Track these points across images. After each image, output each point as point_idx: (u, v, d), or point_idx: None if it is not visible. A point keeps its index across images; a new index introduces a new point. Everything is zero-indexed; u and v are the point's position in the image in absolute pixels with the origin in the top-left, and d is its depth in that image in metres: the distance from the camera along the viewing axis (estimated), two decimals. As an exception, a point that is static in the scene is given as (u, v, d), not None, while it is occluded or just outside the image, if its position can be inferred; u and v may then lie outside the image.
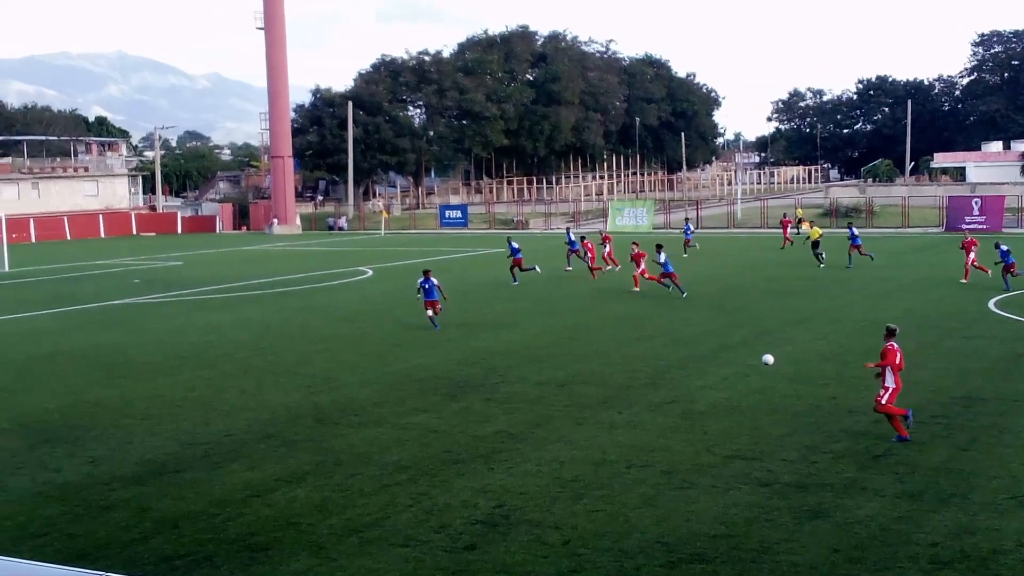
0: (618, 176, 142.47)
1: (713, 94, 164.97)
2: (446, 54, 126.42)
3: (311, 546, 13.95)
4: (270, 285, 46.56)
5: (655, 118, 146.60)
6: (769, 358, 22.07)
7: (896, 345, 18.59)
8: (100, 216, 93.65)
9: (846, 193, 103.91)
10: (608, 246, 49.32)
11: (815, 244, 48.43)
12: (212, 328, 33.73)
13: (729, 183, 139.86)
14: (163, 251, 70.23)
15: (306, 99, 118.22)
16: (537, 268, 45.29)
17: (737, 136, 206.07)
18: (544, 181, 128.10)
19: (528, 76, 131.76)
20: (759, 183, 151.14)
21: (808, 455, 17.55)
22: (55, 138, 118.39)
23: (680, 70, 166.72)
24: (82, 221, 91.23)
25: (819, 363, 25.47)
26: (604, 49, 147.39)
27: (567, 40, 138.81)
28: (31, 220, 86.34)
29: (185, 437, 19.70)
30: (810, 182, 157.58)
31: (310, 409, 21.85)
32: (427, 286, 31.69)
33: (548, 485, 16.32)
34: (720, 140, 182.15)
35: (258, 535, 14.40)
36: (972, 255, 40.42)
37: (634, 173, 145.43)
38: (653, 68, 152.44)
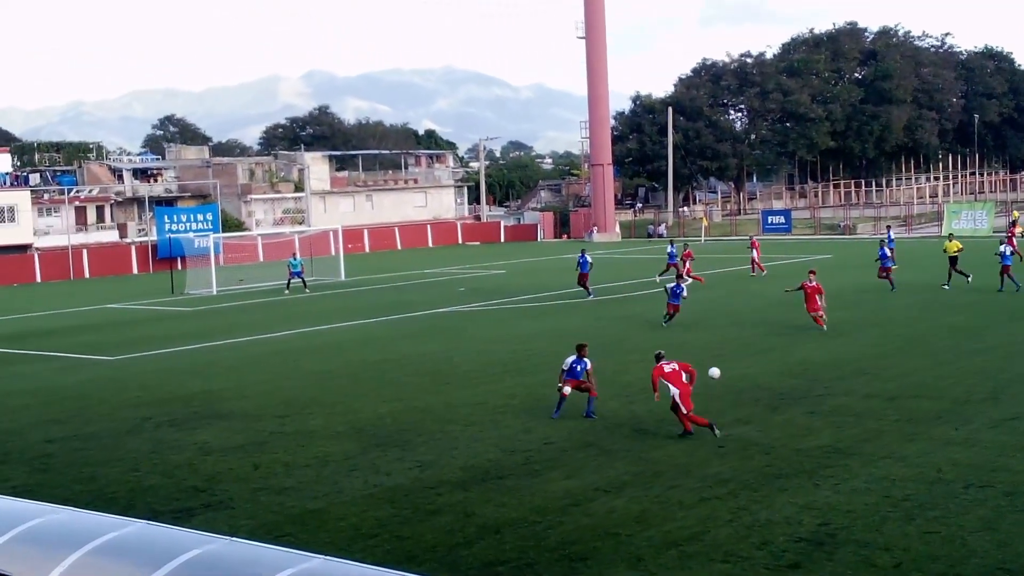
0: (954, 177, 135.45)
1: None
2: (769, 55, 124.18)
3: (630, 558, 13.84)
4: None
5: (996, 114, 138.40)
6: (715, 371, 20.58)
7: (665, 364, 20.32)
8: (428, 226, 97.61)
9: None
10: (688, 263, 48.22)
11: (952, 260, 42.56)
12: (532, 336, 34.35)
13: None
14: (487, 260, 72.34)
15: (626, 106, 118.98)
16: (591, 296, 44.12)
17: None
18: (873, 184, 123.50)
19: (856, 75, 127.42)
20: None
21: None
22: (387, 152, 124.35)
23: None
24: (411, 231, 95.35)
25: None
26: (939, 43, 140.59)
27: (899, 35, 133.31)
28: (365, 231, 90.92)
29: (506, 444, 20.06)
30: None
31: (628, 418, 21.81)
32: (578, 367, 22.36)
33: (877, 504, 15.58)
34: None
35: (577, 544, 14.42)
36: None
37: (972, 173, 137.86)
38: (993, 61, 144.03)
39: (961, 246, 43.63)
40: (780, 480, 16.98)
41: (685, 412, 19.91)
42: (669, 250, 51.35)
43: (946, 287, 41.67)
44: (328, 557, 9.65)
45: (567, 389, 22.09)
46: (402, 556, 14.11)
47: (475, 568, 13.70)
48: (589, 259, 45.63)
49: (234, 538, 10.69)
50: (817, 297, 32.67)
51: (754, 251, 52.73)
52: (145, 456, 20.27)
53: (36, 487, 18.01)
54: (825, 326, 32.16)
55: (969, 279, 41.79)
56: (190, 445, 20.98)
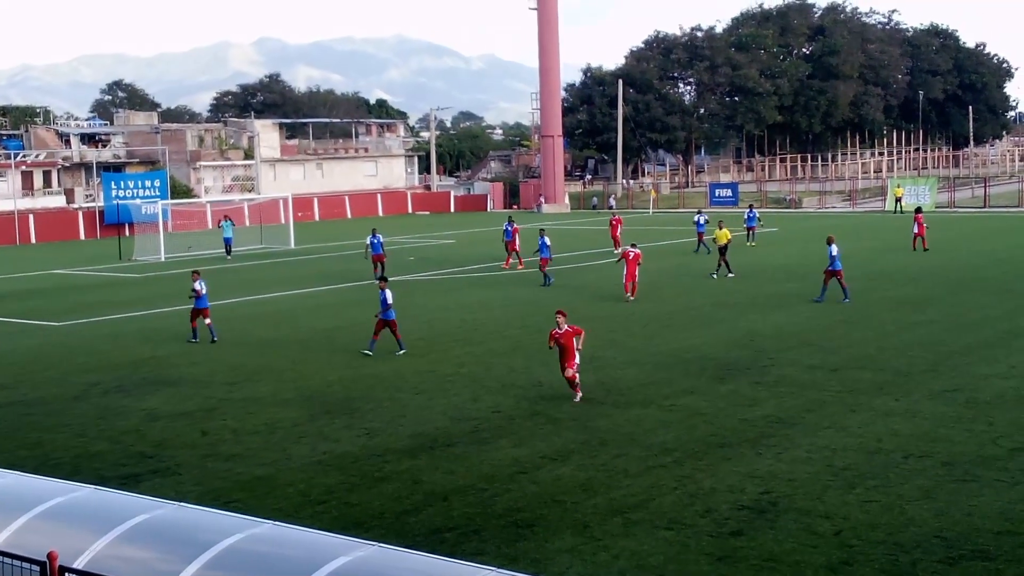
0: (898, 153, 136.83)
1: (1005, 65, 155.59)
2: (719, 29, 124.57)
3: (576, 524, 14.00)
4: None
5: (940, 91, 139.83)
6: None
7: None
8: (378, 195, 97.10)
9: None
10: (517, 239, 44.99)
11: (722, 250, 39.97)
12: (481, 305, 34.44)
13: (1021, 159, 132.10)
14: (436, 229, 72.19)
15: (577, 78, 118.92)
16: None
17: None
18: (819, 159, 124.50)
19: (804, 50, 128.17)
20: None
21: (1106, 452, 16.34)
22: (338, 120, 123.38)
23: (969, 40, 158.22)
24: (362, 200, 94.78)
25: (1119, 352, 23.68)
26: (886, 20, 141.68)
27: (846, 12, 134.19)
28: (315, 199, 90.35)
29: (455, 412, 20.17)
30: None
31: (577, 387, 21.94)
32: (201, 291, 28.72)
33: (819, 473, 15.85)
34: (1012, 114, 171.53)
35: (524, 511, 14.57)
36: None
37: (916, 149, 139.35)
38: (939, 38, 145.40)
39: (731, 236, 41.05)
40: (724, 449, 17.23)
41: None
42: (505, 226, 47.63)
43: (714, 276, 39.48)
44: (276, 523, 9.71)
45: (207, 322, 27.96)
46: (350, 522, 14.19)
47: (423, 534, 13.80)
48: (381, 237, 43.08)
49: (183, 503, 10.73)
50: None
51: (615, 228, 50.17)
52: (92, 422, 20.17)
53: (-19, 453, 17.88)
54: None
55: (731, 275, 39.29)
56: (138, 411, 20.90)
